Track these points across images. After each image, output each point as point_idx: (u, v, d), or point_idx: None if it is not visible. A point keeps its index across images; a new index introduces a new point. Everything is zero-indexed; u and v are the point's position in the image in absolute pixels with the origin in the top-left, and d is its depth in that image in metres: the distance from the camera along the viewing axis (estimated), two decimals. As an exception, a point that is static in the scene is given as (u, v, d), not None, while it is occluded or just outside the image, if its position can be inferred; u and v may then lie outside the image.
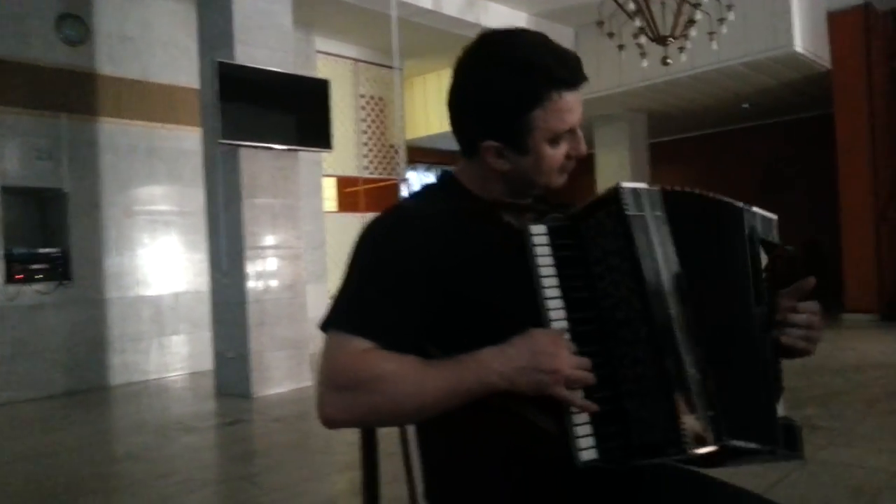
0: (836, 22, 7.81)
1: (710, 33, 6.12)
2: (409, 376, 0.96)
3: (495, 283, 1.02)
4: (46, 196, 5.93)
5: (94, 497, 3.13)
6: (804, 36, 7.29)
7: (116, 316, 6.15)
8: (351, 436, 1.16)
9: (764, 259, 1.08)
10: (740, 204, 1.07)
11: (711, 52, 6.84)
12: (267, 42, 5.37)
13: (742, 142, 11.56)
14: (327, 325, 1.02)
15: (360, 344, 0.98)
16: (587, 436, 0.94)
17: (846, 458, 3.07)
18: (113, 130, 6.18)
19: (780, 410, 1.05)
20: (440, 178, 1.17)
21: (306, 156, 6.26)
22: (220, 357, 5.40)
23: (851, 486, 2.74)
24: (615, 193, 0.98)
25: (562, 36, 8.36)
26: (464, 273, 1.02)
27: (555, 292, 0.99)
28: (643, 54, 6.20)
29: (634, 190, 0.99)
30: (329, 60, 7.80)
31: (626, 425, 0.94)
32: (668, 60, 6.06)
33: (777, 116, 10.83)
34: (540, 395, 0.95)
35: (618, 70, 7.95)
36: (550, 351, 0.95)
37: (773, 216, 1.13)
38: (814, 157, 10.22)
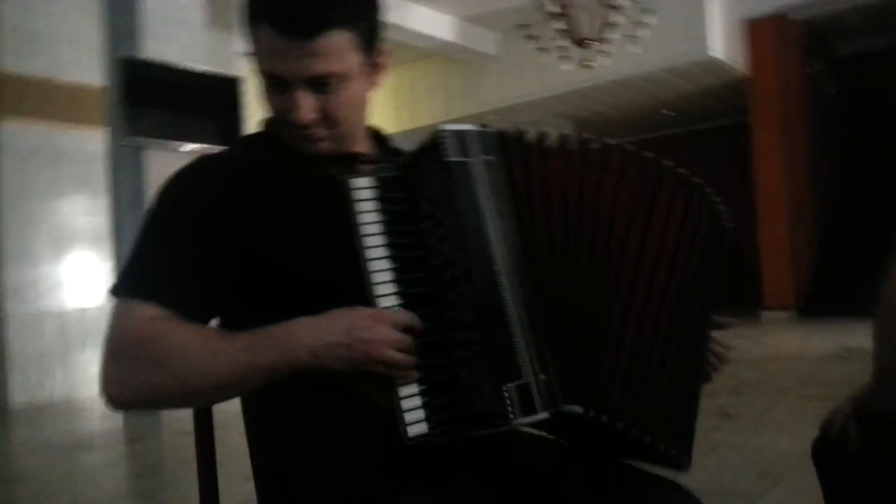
0: (752, 29, 8.05)
1: (629, 37, 6.19)
2: (200, 349, 0.84)
3: (311, 242, 0.92)
4: (-64, 203, 5.53)
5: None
6: (721, 41, 7.47)
7: (16, 332, 5.76)
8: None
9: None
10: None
11: (632, 57, 6.94)
12: (176, 37, 5.16)
13: (665, 149, 11.68)
14: (114, 289, 0.89)
15: (147, 311, 0.86)
16: (416, 408, 0.85)
17: (756, 442, 3.09)
18: (13, 131, 5.80)
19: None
20: (263, 123, 1.04)
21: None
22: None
23: (759, 469, 2.74)
24: (435, 138, 0.87)
25: (488, 41, 8.36)
26: (271, 228, 0.92)
27: (380, 252, 0.87)
28: (565, 57, 6.22)
29: (458, 132, 0.88)
30: (248, 61, 7.57)
31: (459, 395, 0.85)
32: (590, 63, 6.09)
33: (698, 124, 11.11)
34: (354, 371, 0.85)
35: (543, 76, 7.99)
36: (367, 326, 0.84)
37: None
38: (733, 162, 10.52)
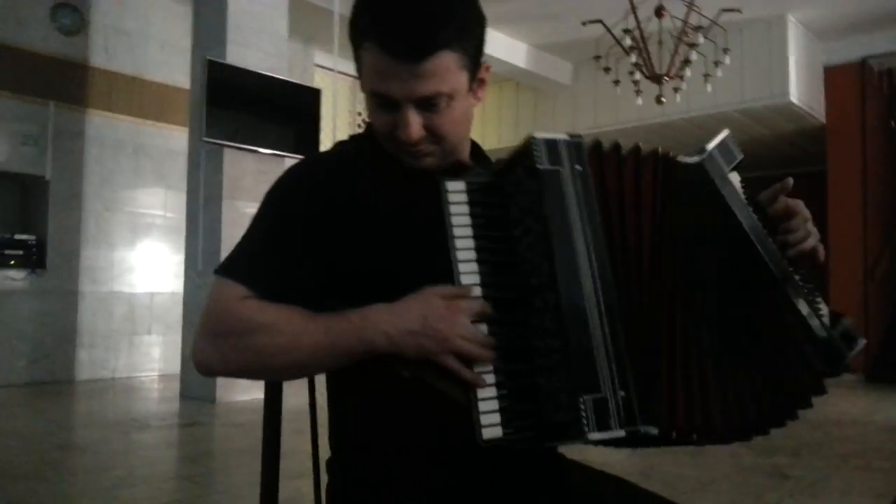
0: (832, 77, 7.88)
1: (706, 75, 6.16)
2: (285, 328, 0.89)
3: (406, 241, 0.94)
4: (28, 182, 5.90)
5: (27, 483, 3.03)
6: (800, 87, 7.34)
7: (88, 310, 6.08)
8: (308, 445, 1.10)
9: (736, 178, 1.00)
10: (695, 158, 0.98)
11: (707, 96, 6.88)
12: (260, 46, 5.39)
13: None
14: (217, 269, 0.96)
15: (240, 291, 0.92)
16: (492, 412, 0.85)
17: (810, 507, 2.99)
18: (101, 123, 6.17)
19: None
20: (366, 129, 1.07)
21: (293, 163, 6.27)
22: (188, 359, 5.31)
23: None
24: (528, 145, 0.89)
25: (560, 69, 8.42)
26: (363, 222, 0.95)
27: (469, 255, 0.89)
28: (638, 91, 6.23)
29: (550, 141, 0.89)
30: (328, 75, 7.83)
31: (537, 403, 0.85)
32: (663, 99, 6.08)
33: (771, 169, 10.88)
34: (427, 362, 0.88)
35: (614, 108, 7.99)
36: (443, 316, 0.87)
37: (724, 133, 1.04)
38: (811, 212, 10.23)
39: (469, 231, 0.90)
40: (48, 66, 5.87)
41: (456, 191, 0.91)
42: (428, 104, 0.92)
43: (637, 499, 1.03)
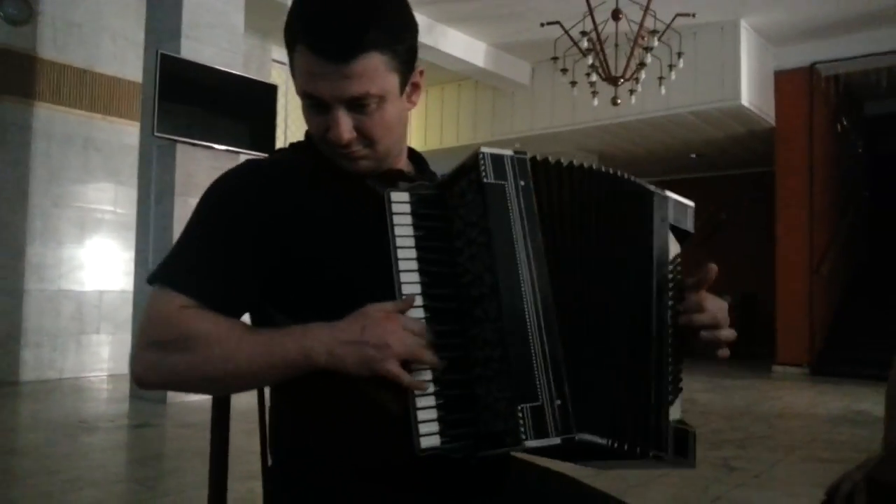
0: (782, 81, 8.09)
1: (660, 78, 6.27)
2: (223, 339, 0.88)
3: (343, 250, 0.94)
4: (-30, 177, 5.71)
5: (-30, 489, 2.94)
6: (751, 91, 7.52)
7: (34, 309, 5.91)
8: (255, 446, 1.08)
9: (675, 248, 1.00)
10: (651, 186, 0.99)
11: (661, 98, 7.01)
12: (216, 40, 5.30)
13: (689, 192, 11.77)
14: (152, 277, 0.94)
15: (178, 300, 0.90)
16: (430, 420, 0.86)
17: (757, 499, 3.07)
18: (49, 116, 6.00)
19: (675, 413, 0.96)
20: (305, 135, 1.07)
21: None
22: (138, 359, 5.20)
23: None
24: (474, 160, 0.90)
25: (518, 69, 8.47)
26: (306, 233, 0.94)
27: (411, 265, 0.91)
28: (594, 93, 6.31)
29: (496, 156, 0.90)
30: (284, 70, 7.75)
31: (475, 412, 0.86)
32: (618, 101, 6.17)
33: (723, 170, 11.12)
34: (369, 372, 0.88)
35: (571, 108, 8.08)
36: (382, 325, 0.87)
37: (690, 203, 1.05)
38: (755, 211, 10.50)
39: (412, 242, 0.91)
40: (-7, 57, 5.69)
41: (400, 201, 0.92)
42: (358, 105, 0.93)
43: (584, 497, 1.04)
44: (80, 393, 5.53)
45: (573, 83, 6.39)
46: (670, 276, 0.98)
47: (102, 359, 6.30)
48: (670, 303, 0.97)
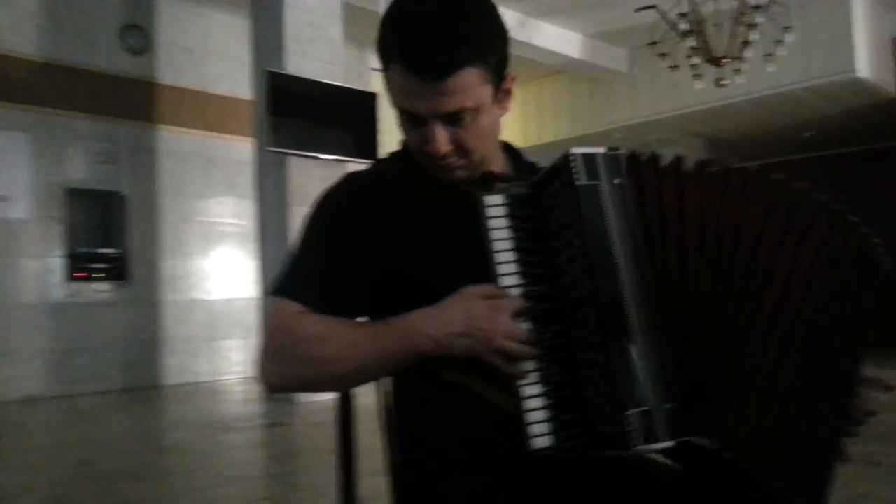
0: (902, 47, 7.58)
1: (767, 55, 6.02)
2: (334, 339, 0.93)
3: (443, 256, 0.98)
4: (107, 199, 6.21)
5: (130, 483, 3.23)
6: (868, 61, 7.09)
7: (171, 318, 6.37)
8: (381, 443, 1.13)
9: None
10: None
11: (770, 76, 6.71)
12: (318, 55, 5.53)
13: (807, 172, 11.20)
14: (271, 290, 1.02)
15: (292, 307, 0.96)
16: (542, 421, 0.86)
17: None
18: (170, 138, 6.45)
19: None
20: (401, 143, 1.10)
21: (354, 167, 6.45)
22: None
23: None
24: (565, 161, 0.88)
25: (615, 57, 8.33)
26: (406, 243, 0.99)
27: (510, 267, 0.90)
28: (698, 76, 6.13)
29: (588, 155, 0.88)
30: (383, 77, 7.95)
31: (585, 413, 0.86)
32: (723, 82, 5.97)
33: (844, 146, 10.50)
34: (473, 360, 0.90)
35: (674, 93, 7.87)
36: (486, 316, 0.89)
37: None
38: (884, 189, 9.86)
39: (509, 244, 0.91)
40: (118, 86, 6.17)
41: (494, 205, 0.92)
42: (453, 119, 0.95)
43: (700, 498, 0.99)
44: (216, 395, 5.92)
45: (674, 67, 6.24)
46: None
47: (235, 362, 6.71)
48: None
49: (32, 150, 5.73)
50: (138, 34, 6.33)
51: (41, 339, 5.67)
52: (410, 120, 0.97)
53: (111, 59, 6.16)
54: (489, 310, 0.89)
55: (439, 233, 0.99)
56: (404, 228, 0.99)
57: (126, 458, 3.72)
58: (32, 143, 5.73)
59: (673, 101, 8.06)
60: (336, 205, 1.04)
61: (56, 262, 5.79)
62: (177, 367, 6.36)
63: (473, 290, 0.91)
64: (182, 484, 3.24)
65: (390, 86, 0.97)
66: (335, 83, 5.58)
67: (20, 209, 5.65)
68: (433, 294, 0.93)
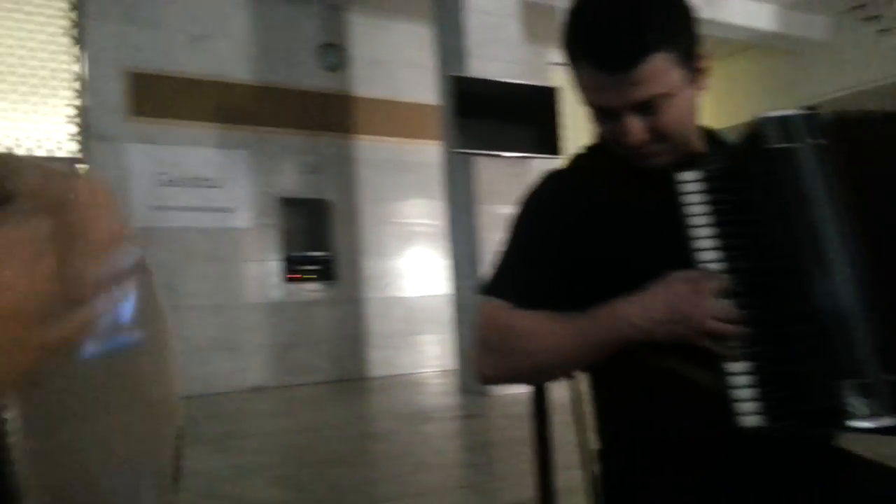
0: None
1: None
2: (541, 331, 0.97)
3: (644, 241, 0.98)
4: (315, 206, 6.80)
5: (341, 468, 3.55)
6: None
7: (373, 314, 6.85)
8: (574, 436, 1.16)
9: None
10: None
11: None
12: (498, 55, 5.65)
13: None
14: (479, 290, 1.09)
15: (499, 304, 1.01)
16: (750, 399, 0.82)
17: None
18: (367, 146, 6.91)
19: None
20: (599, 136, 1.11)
21: (540, 163, 6.53)
22: (463, 356, 5.74)
23: None
24: (759, 125, 0.85)
25: (814, 26, 7.65)
26: (608, 231, 1.00)
27: (710, 243, 0.87)
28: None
29: (781, 118, 0.84)
30: (563, 71, 7.91)
31: (795, 389, 0.81)
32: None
33: None
34: (680, 343, 0.89)
35: (884, 61, 7.09)
36: (689, 299, 0.87)
37: None
38: None
39: (708, 220, 0.88)
40: (321, 102, 6.72)
41: (690, 180, 0.90)
42: (646, 107, 0.94)
43: None
44: (415, 387, 6.28)
45: (883, 31, 5.63)
46: None
47: (431, 356, 7.06)
48: None
49: (251, 165, 6.41)
50: (334, 52, 6.85)
51: (263, 335, 6.34)
52: (603, 114, 0.98)
53: (312, 77, 6.72)
54: (692, 293, 0.87)
55: (642, 218, 0.99)
56: (607, 219, 1.01)
57: (338, 444, 4.09)
58: (251, 160, 6.42)
59: (883, 70, 7.27)
60: (538, 202, 1.08)
61: (273, 266, 6.44)
62: (380, 361, 6.82)
63: (676, 276, 0.90)
64: (388, 469, 3.51)
65: (579, 83, 0.99)
66: (516, 81, 5.68)
67: (242, 219, 6.35)
68: (640, 279, 0.93)
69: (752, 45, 7.99)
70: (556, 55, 7.20)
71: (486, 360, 1.02)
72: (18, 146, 5.70)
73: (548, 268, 1.02)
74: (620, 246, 0.99)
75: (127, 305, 0.67)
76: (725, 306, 0.86)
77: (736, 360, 0.84)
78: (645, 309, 0.90)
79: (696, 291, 0.87)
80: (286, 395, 5.91)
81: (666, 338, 0.89)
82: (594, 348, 0.95)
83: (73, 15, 5.94)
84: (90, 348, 0.59)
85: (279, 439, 4.35)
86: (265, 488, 3.20)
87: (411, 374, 6.90)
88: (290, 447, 4.10)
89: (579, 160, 1.13)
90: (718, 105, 8.87)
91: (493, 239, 5.39)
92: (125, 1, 5.94)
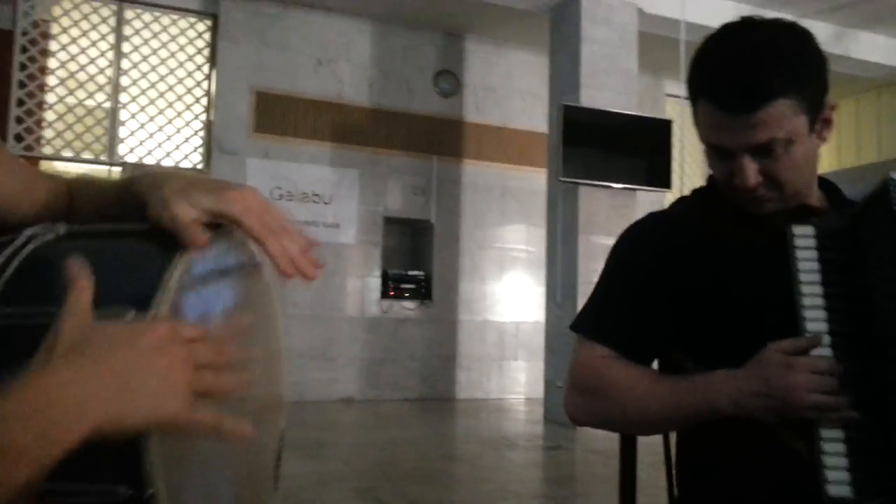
0: None
1: None
2: (636, 387, 0.98)
3: (747, 290, 0.96)
4: (417, 226, 6.93)
5: (422, 486, 3.56)
6: None
7: (465, 337, 6.87)
8: (661, 480, 1.15)
9: None
10: None
11: None
12: (612, 85, 5.61)
13: None
14: (574, 326, 1.09)
15: (597, 349, 1.02)
16: (840, 468, 0.80)
17: None
18: (473, 171, 6.99)
19: None
20: (707, 179, 1.11)
21: (645, 195, 6.39)
22: (550, 385, 5.66)
23: None
24: (884, 186, 0.81)
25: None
26: (710, 277, 0.98)
27: (817, 301, 0.86)
28: None
29: None
30: (679, 103, 7.76)
31: (890, 462, 0.79)
32: None
33: None
34: (777, 419, 0.88)
35: None
36: (786, 373, 0.85)
37: None
38: None
39: (817, 277, 0.86)
40: (432, 126, 6.87)
41: (803, 235, 0.89)
42: (764, 151, 0.93)
43: None
44: (501, 413, 6.24)
45: None
46: None
47: (520, 383, 7.01)
48: None
49: (360, 184, 6.62)
50: (449, 78, 7.00)
51: (358, 348, 6.48)
52: (718, 153, 0.98)
53: (426, 102, 6.89)
54: (788, 368, 0.85)
55: (745, 267, 0.98)
56: (708, 265, 0.99)
57: (420, 462, 4.11)
58: (361, 178, 6.62)
59: None
60: (637, 243, 1.08)
61: (373, 282, 6.59)
62: (468, 383, 6.82)
63: (774, 346, 0.88)
64: (468, 492, 3.49)
65: (698, 121, 0.99)
66: (628, 112, 5.62)
67: (348, 235, 6.55)
68: (736, 325, 0.94)
69: (886, 82, 7.53)
70: (672, 87, 7.16)
71: (577, 402, 1.05)
72: (150, 156, 6.15)
73: (647, 315, 1.02)
74: (724, 294, 0.97)
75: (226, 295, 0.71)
76: (822, 380, 0.84)
77: (830, 427, 0.82)
78: (741, 381, 0.89)
79: (792, 364, 0.85)
80: (374, 409, 6.01)
81: (760, 413, 0.88)
82: (688, 416, 0.95)
83: (209, 37, 6.38)
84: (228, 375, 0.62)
85: (363, 452, 4.42)
86: (344, 499, 3.25)
87: (499, 398, 6.86)
88: (374, 460, 4.15)
89: (685, 204, 1.13)
90: (843, 143, 8.41)
91: (591, 269, 5.42)
92: (258, 25, 6.32)
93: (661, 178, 5.77)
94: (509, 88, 7.19)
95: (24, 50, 5.74)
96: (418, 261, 6.95)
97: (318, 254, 0.71)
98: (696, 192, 1.12)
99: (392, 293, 6.58)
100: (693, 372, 0.97)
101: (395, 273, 6.66)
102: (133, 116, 6.11)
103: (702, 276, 0.99)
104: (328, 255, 6.37)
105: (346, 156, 6.57)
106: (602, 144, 5.50)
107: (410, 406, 6.29)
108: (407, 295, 6.64)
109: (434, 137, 6.88)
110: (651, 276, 1.03)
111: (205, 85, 6.35)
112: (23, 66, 5.73)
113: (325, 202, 6.46)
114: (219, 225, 0.65)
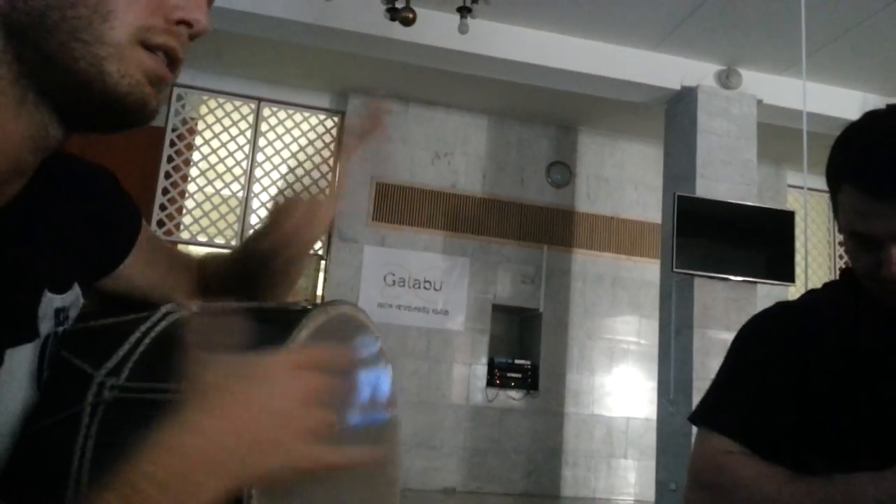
0: None
1: None
2: (767, 486, 0.91)
3: (884, 389, 0.91)
4: (525, 314, 6.89)
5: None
6: None
7: (572, 431, 6.64)
8: None
9: None
10: None
11: None
12: (730, 176, 5.49)
13: None
14: (694, 418, 1.04)
15: (722, 443, 0.97)
16: None
17: None
18: (584, 260, 6.94)
19: None
20: (842, 272, 1.07)
21: (767, 289, 6.08)
22: (662, 487, 5.35)
23: None
24: None
25: None
26: (844, 372, 0.94)
27: None
28: None
29: None
30: (801, 195, 7.45)
31: None
32: None
33: None
34: None
35: None
36: None
37: None
38: None
39: None
40: (543, 216, 6.93)
41: None
42: None
43: None
44: (609, 513, 5.93)
45: None
46: None
47: (629, 483, 6.65)
48: None
49: (471, 271, 6.71)
50: (562, 169, 7.10)
51: (462, 437, 6.39)
52: (862, 243, 0.94)
53: (538, 192, 6.99)
54: None
55: (883, 357, 0.94)
56: (846, 361, 0.95)
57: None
58: (471, 266, 6.73)
59: None
60: (764, 333, 1.05)
61: (480, 370, 6.55)
62: (574, 480, 6.54)
63: None
64: None
65: (840, 209, 0.96)
66: (746, 203, 5.46)
67: (456, 322, 6.60)
68: (868, 425, 0.89)
69: None
70: (794, 178, 6.89)
71: (697, 497, 0.99)
72: (275, 239, 6.53)
73: (774, 408, 0.97)
74: (857, 391, 0.93)
75: (385, 384, 0.75)
76: None
77: None
78: (888, 482, 0.83)
79: None
80: (476, 502, 5.85)
81: None
82: None
83: (336, 132, 6.83)
84: (353, 417, 0.67)
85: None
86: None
87: (606, 499, 6.51)
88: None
89: (816, 296, 1.09)
90: None
91: (707, 364, 5.17)
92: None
93: (783, 271, 5.51)
94: (622, 179, 7.19)
95: (173, 144, 6.36)
96: (526, 350, 6.88)
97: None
98: (828, 285, 1.08)
99: (498, 381, 6.51)
100: (826, 473, 0.90)
101: (501, 361, 6.60)
102: (263, 205, 6.55)
103: (839, 372, 0.94)
104: (437, 341, 6.43)
105: (458, 244, 6.71)
106: (719, 236, 5.34)
107: (514, 501, 6.08)
108: (513, 384, 6.54)
109: (545, 227, 6.93)
110: (781, 368, 0.98)
111: (330, 177, 6.74)
112: (170, 159, 6.33)
113: (435, 289, 6.57)
114: None
